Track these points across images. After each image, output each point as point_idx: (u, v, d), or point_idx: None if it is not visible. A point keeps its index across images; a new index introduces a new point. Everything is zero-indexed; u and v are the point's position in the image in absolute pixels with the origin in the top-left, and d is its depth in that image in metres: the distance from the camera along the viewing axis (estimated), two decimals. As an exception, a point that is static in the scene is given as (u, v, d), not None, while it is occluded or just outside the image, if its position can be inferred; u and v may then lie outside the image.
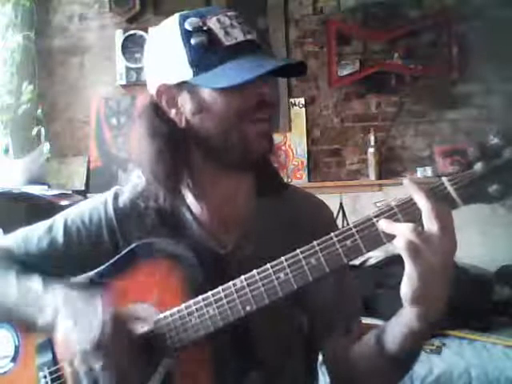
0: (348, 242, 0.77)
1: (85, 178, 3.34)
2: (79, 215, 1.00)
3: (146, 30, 3.25)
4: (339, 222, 2.79)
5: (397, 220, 0.75)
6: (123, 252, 0.93)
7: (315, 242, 0.78)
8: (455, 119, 3.10)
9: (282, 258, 0.80)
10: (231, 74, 0.85)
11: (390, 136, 3.18)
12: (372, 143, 3.13)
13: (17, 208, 2.36)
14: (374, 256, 2.52)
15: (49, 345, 0.93)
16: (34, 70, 3.33)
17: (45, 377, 0.92)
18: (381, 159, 3.14)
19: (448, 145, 3.04)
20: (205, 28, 0.87)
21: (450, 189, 0.74)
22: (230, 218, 0.97)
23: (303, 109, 3.25)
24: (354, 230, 0.77)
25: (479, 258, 2.71)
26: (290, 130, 3.24)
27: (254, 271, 0.81)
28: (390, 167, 3.17)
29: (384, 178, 3.13)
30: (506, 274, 2.65)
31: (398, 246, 0.72)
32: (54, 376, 0.91)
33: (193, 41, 0.86)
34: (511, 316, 2.47)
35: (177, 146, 0.91)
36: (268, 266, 0.80)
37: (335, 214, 2.81)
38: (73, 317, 0.85)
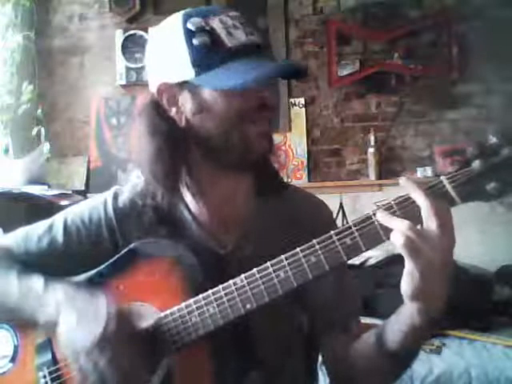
0: (347, 240, 0.77)
1: (85, 178, 3.34)
2: (79, 215, 1.00)
3: (145, 30, 3.26)
4: (339, 221, 2.79)
5: (395, 215, 0.76)
6: (123, 252, 0.93)
7: (315, 241, 0.79)
8: (455, 119, 3.10)
9: (282, 257, 0.80)
10: (233, 75, 0.84)
11: (390, 136, 3.18)
12: (372, 143, 3.13)
13: (17, 208, 2.36)
14: (374, 256, 2.52)
15: (48, 345, 0.93)
16: (34, 70, 3.33)
17: (44, 377, 0.92)
18: (381, 159, 3.14)
19: (448, 145, 3.05)
20: (207, 28, 0.86)
21: (448, 187, 0.75)
22: (229, 218, 0.97)
23: (303, 109, 3.25)
24: (353, 228, 0.77)
25: (479, 257, 2.71)
26: (290, 129, 3.24)
27: (254, 269, 0.81)
28: (390, 167, 3.17)
29: (384, 178, 3.13)
30: (506, 274, 2.65)
31: (397, 244, 0.73)
32: (53, 376, 0.91)
33: (195, 41, 0.86)
34: (511, 316, 2.47)
35: (176, 145, 0.91)
36: (268, 264, 0.81)
37: (335, 214, 2.81)
38: (75, 314, 0.84)
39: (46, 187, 2.90)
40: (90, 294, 0.87)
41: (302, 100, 3.25)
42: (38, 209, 2.39)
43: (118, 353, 0.81)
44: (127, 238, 0.96)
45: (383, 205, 0.77)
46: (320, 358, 1.05)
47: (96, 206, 1.01)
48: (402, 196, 0.77)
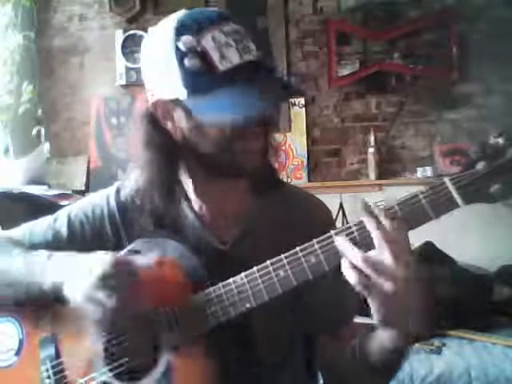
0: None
1: (85, 178, 3.34)
2: (82, 209, 1.02)
3: (145, 30, 3.25)
4: (339, 222, 2.79)
5: (353, 239, 0.77)
6: (123, 251, 0.93)
7: (315, 240, 0.79)
8: (455, 119, 3.10)
9: (282, 256, 0.80)
10: (225, 105, 0.82)
11: (390, 136, 3.18)
12: (372, 143, 3.13)
13: (17, 208, 2.36)
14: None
15: (52, 339, 0.94)
16: (34, 70, 3.32)
17: (47, 370, 0.93)
18: (381, 159, 3.13)
19: (448, 145, 3.04)
20: (199, 49, 0.83)
21: (452, 188, 0.74)
22: (229, 214, 0.97)
23: (303, 109, 3.25)
24: (353, 228, 0.77)
25: (479, 257, 2.71)
26: (290, 129, 3.24)
27: (254, 268, 0.82)
28: (390, 167, 3.17)
29: (384, 178, 3.13)
30: (506, 274, 2.65)
31: (350, 281, 0.74)
32: (55, 370, 0.93)
33: (186, 63, 0.83)
34: (511, 316, 2.47)
35: (172, 156, 0.92)
36: (268, 263, 0.81)
37: (335, 214, 2.81)
38: (78, 269, 0.84)
39: (45, 187, 2.91)
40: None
41: (302, 100, 3.25)
42: (38, 209, 2.39)
43: (122, 292, 0.80)
44: (129, 232, 0.97)
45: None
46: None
47: (99, 200, 1.02)
48: (401, 198, 0.77)
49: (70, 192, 2.93)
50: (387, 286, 0.72)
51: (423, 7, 3.13)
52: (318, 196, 1.07)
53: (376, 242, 0.74)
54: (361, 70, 3.17)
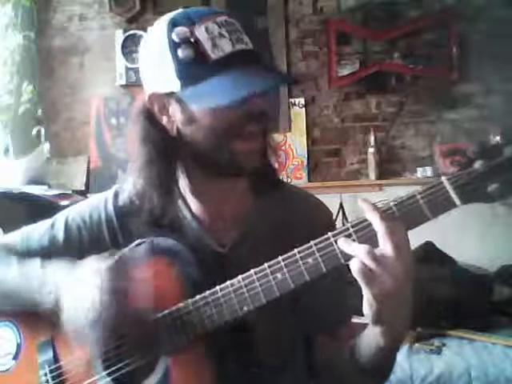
0: None
1: (85, 178, 3.34)
2: (80, 213, 1.01)
3: (145, 30, 3.24)
4: (339, 222, 2.79)
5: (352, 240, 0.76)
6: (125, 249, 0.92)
7: (312, 242, 0.78)
8: (455, 119, 3.10)
9: (280, 258, 0.80)
10: (218, 91, 0.82)
11: (390, 136, 3.18)
12: (372, 143, 3.13)
13: (17, 208, 2.36)
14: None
15: (50, 343, 0.94)
16: (34, 70, 3.32)
17: (45, 375, 0.92)
18: (381, 159, 3.13)
19: (448, 145, 3.04)
20: (192, 40, 0.84)
21: (449, 188, 0.74)
22: (227, 216, 0.97)
23: (303, 109, 3.25)
24: (351, 230, 0.77)
25: (479, 257, 2.71)
26: (290, 129, 3.24)
27: (252, 271, 0.81)
28: (390, 167, 3.16)
29: (384, 178, 3.12)
30: (506, 274, 2.65)
31: (352, 270, 0.73)
32: (54, 374, 0.92)
33: (180, 53, 0.84)
34: (511, 316, 2.47)
35: (168, 153, 0.91)
36: (265, 265, 0.81)
37: (335, 214, 2.81)
38: (75, 282, 0.85)
39: (46, 187, 2.90)
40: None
41: (301, 100, 3.25)
42: (38, 209, 2.39)
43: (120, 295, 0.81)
44: (127, 236, 0.96)
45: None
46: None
47: (97, 204, 1.01)
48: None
49: (70, 192, 2.93)
50: (387, 279, 0.72)
51: (423, 7, 3.13)
52: (317, 196, 1.07)
53: (380, 236, 0.73)
54: (361, 70, 3.17)
